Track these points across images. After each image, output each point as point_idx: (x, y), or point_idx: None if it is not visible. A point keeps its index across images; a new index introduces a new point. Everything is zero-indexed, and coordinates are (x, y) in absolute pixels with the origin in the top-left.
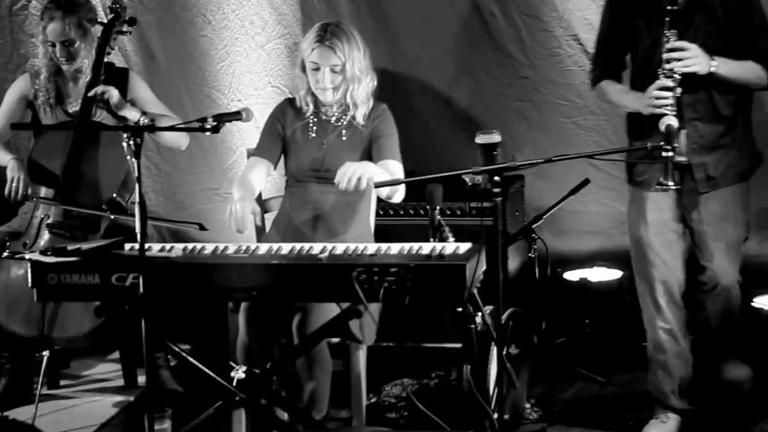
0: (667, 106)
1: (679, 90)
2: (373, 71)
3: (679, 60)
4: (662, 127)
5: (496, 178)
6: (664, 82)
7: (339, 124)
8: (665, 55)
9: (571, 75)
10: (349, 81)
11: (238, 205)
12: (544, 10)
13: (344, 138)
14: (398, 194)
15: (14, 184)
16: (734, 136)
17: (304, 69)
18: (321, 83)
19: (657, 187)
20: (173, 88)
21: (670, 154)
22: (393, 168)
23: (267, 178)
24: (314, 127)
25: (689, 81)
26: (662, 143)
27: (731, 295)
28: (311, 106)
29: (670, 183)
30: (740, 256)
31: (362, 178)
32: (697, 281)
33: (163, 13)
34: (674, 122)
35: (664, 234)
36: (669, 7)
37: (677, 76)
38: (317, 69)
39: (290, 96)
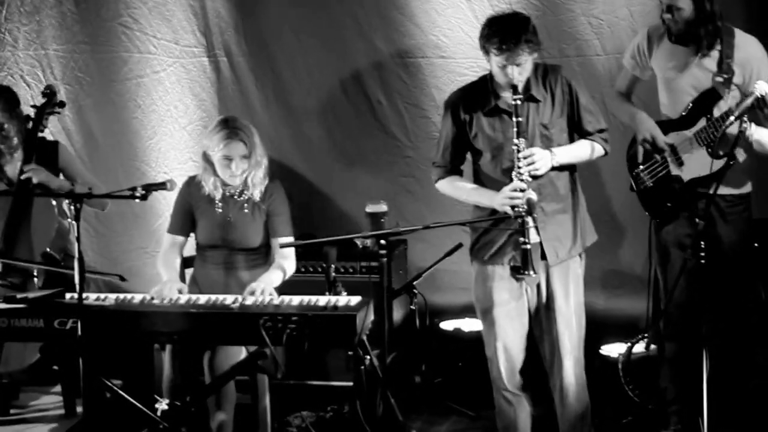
0: (520, 204)
1: (530, 192)
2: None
3: (529, 165)
4: (523, 201)
5: (383, 241)
6: (518, 184)
7: (241, 199)
8: (518, 162)
9: None
10: (252, 167)
11: (166, 290)
12: (423, 99)
13: (246, 211)
14: (290, 271)
15: None
16: (573, 213)
17: (208, 160)
18: (233, 172)
19: (514, 274)
20: (109, 161)
21: (531, 225)
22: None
23: (184, 248)
24: (220, 203)
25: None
26: (523, 213)
27: None
28: (219, 188)
29: (531, 272)
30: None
31: (270, 293)
32: None
33: (101, 98)
34: (534, 196)
35: (510, 310)
36: (515, 119)
37: (528, 179)
38: (229, 160)
39: (193, 175)
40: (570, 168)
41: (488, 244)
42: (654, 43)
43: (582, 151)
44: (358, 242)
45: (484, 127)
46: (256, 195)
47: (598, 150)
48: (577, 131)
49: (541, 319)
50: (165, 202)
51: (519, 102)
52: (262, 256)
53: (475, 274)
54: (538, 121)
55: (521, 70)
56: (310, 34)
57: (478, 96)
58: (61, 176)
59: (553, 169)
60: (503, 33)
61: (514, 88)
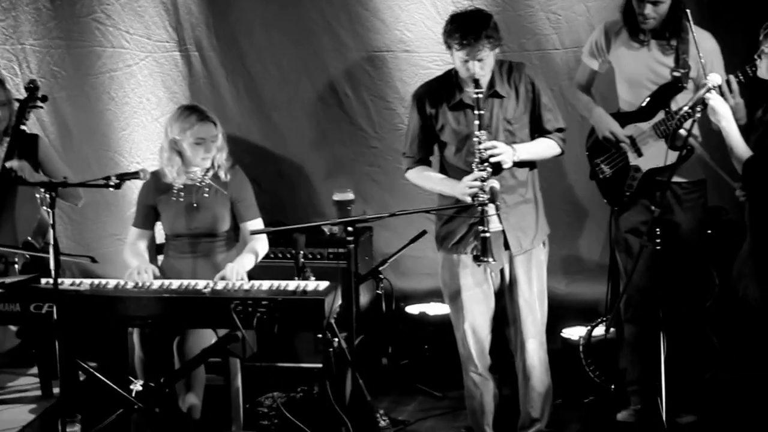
0: (480, 193)
1: (492, 181)
2: None
3: (491, 156)
4: (487, 189)
5: (350, 228)
6: (478, 174)
7: (201, 184)
8: (479, 154)
9: None
10: (219, 149)
11: (142, 273)
12: (389, 92)
13: (207, 195)
14: (262, 252)
15: None
16: (535, 204)
17: (174, 148)
18: (206, 154)
19: (476, 262)
20: (83, 152)
21: (492, 213)
22: (255, 227)
23: (153, 238)
24: (181, 193)
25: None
26: (486, 201)
27: None
28: (182, 176)
29: (490, 259)
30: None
31: (241, 275)
32: None
33: (75, 91)
34: (497, 185)
35: (476, 294)
36: (476, 112)
37: (490, 170)
38: (201, 143)
39: (155, 170)
40: (530, 162)
41: (451, 233)
42: (611, 37)
43: (541, 148)
44: (326, 229)
45: (449, 121)
46: (222, 175)
47: (555, 149)
48: (536, 129)
49: (506, 303)
50: (137, 191)
51: (480, 96)
52: (229, 241)
53: (441, 261)
54: (502, 116)
55: (483, 65)
56: (279, 30)
57: (443, 90)
58: (40, 172)
59: (514, 163)
60: (464, 29)
61: (476, 83)
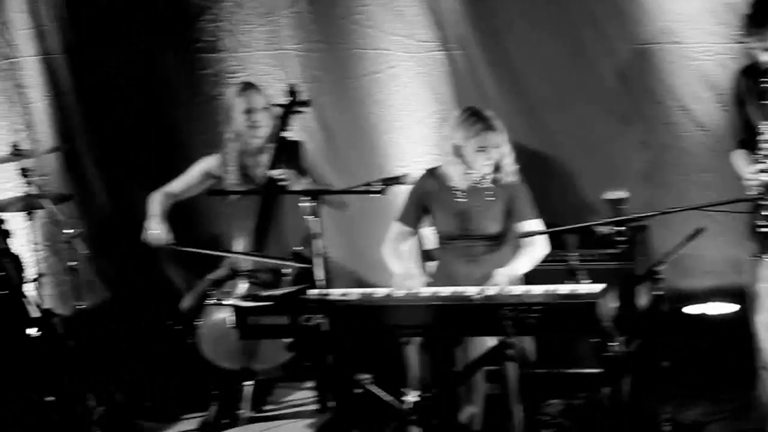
0: (759, 186)
1: (764, 174)
2: None
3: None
4: (758, 182)
5: (622, 228)
6: (758, 166)
7: (484, 185)
8: (762, 144)
9: (681, 139)
10: (503, 154)
11: (408, 282)
12: (657, 85)
13: (490, 198)
14: (540, 256)
15: (154, 231)
16: None
17: (458, 152)
18: (487, 161)
19: (752, 257)
20: (348, 157)
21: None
22: (532, 227)
23: (411, 243)
24: (464, 193)
25: None
26: (758, 194)
27: None
28: (466, 179)
29: (763, 256)
30: None
31: (512, 281)
32: None
33: (338, 95)
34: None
35: None
36: (761, 102)
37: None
38: (483, 151)
39: (431, 167)
40: None
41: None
42: None
43: None
44: (601, 229)
45: (757, 106)
46: (504, 177)
47: None
48: None
49: None
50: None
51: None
52: (504, 243)
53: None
54: None
55: None
56: (542, 24)
57: (754, 76)
58: (308, 179)
59: None
60: (754, 14)
61: (764, 72)
